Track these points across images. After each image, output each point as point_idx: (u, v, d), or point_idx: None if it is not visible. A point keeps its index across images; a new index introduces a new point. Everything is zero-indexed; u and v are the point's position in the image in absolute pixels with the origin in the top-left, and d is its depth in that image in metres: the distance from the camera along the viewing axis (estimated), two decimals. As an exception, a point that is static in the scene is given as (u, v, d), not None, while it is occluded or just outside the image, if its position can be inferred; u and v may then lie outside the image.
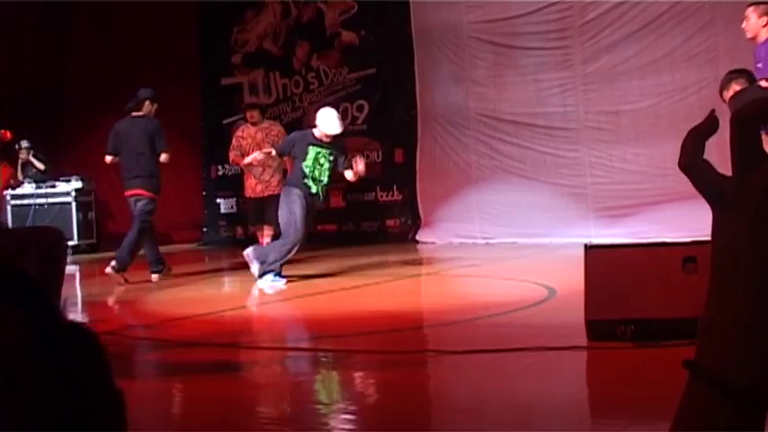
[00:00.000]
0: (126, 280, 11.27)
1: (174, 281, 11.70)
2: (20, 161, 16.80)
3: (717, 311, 0.80)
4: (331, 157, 10.49)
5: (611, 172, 13.57)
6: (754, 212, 0.77)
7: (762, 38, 9.05)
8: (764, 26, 9.03)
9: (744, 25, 9.25)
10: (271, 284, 10.39)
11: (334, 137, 10.53)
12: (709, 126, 0.85)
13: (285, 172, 13.88)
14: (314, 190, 10.44)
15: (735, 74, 9.09)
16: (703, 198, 0.83)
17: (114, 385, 0.73)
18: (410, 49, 15.22)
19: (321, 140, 10.47)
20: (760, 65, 8.91)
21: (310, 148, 10.44)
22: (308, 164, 10.41)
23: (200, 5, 17.81)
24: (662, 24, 13.12)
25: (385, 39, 15.84)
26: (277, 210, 10.78)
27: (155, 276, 11.66)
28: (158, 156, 11.70)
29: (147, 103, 11.92)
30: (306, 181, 10.40)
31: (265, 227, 14.21)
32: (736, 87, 8.85)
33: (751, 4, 9.23)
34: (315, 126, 10.69)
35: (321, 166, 10.47)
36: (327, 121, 10.53)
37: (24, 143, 16.42)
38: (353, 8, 16.30)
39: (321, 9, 16.67)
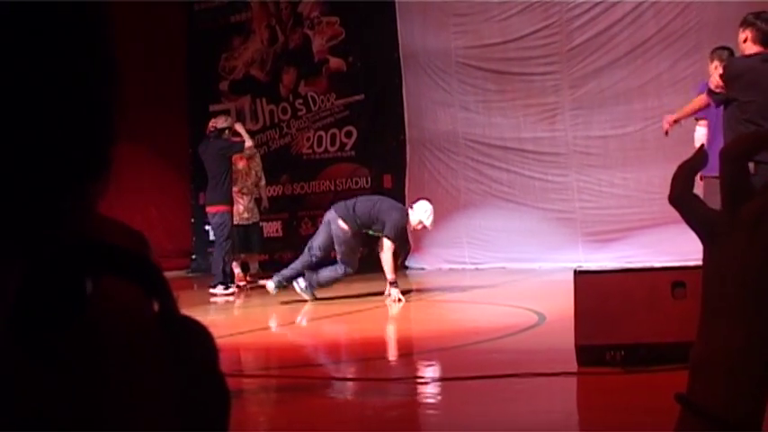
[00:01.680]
0: None
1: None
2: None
3: (708, 344, 0.80)
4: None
5: (600, 196, 13.59)
6: (743, 246, 0.77)
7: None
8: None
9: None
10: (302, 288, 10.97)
11: None
12: (698, 161, 0.85)
13: (258, 201, 14.01)
14: None
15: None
16: (693, 231, 0.83)
17: (223, 376, 0.77)
18: (398, 74, 15.25)
19: None
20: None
21: None
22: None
23: (187, 32, 17.86)
24: (648, 49, 13.18)
25: (373, 65, 15.88)
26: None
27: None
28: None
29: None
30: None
31: (252, 255, 14.23)
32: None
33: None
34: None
35: None
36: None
37: None
38: (341, 34, 16.35)
39: (308, 35, 16.71)
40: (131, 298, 0.69)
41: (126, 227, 0.76)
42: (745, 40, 8.31)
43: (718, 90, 8.19)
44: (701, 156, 0.85)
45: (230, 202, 13.08)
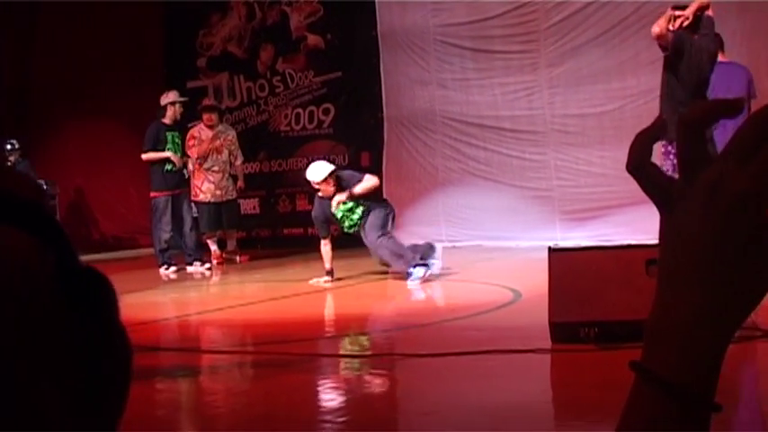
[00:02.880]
0: None
1: (138, 285, 11.64)
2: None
3: (663, 312, 0.80)
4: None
5: (577, 175, 13.61)
6: (700, 213, 0.77)
7: None
8: None
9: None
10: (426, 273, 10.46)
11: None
12: (656, 130, 0.85)
13: (234, 178, 13.91)
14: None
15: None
16: (651, 200, 0.83)
17: (124, 327, 0.76)
18: (376, 52, 15.21)
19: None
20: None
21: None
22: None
23: (165, 8, 17.75)
24: (627, 27, 13.18)
25: (351, 42, 15.84)
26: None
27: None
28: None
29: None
30: None
31: (229, 232, 14.19)
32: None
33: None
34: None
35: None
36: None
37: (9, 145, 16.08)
38: (319, 11, 16.29)
39: (286, 12, 16.64)
40: (24, 246, 0.68)
41: (22, 176, 0.74)
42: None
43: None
44: (659, 125, 0.85)
45: (158, 188, 13.00)
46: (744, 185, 0.75)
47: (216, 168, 13.59)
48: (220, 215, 13.76)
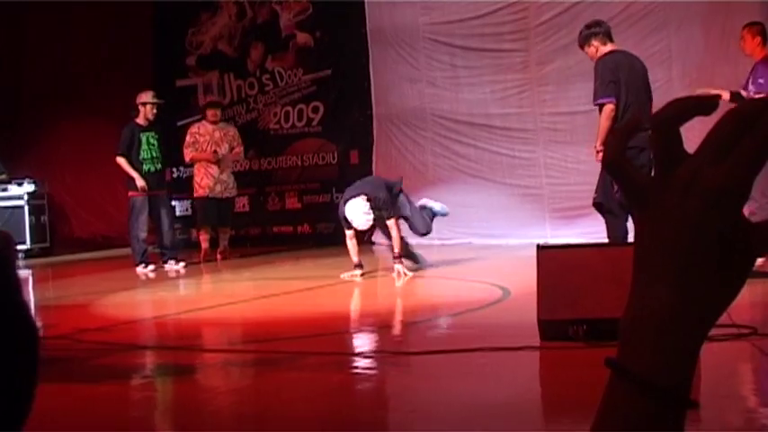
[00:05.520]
0: None
1: (128, 283, 11.64)
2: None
3: (638, 310, 0.80)
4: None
5: (567, 173, 13.62)
6: (675, 210, 0.77)
7: (758, 55, 9.89)
8: (759, 44, 9.87)
9: (741, 45, 10.12)
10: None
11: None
12: (633, 126, 0.85)
13: (236, 175, 13.92)
14: None
15: (595, 28, 9.35)
16: (626, 197, 0.83)
17: (22, 301, 0.75)
18: (365, 50, 15.21)
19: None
20: (762, 80, 9.64)
21: None
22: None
23: (155, 7, 17.73)
24: (615, 26, 13.04)
25: (340, 40, 15.83)
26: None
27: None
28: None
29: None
30: None
31: (222, 229, 14.18)
32: (596, 44, 9.12)
33: (745, 27, 10.12)
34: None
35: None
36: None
37: None
38: (308, 9, 16.28)
39: (276, 10, 16.63)
40: None
41: None
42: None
43: None
44: (636, 121, 0.85)
45: (132, 188, 12.89)
46: (718, 182, 0.75)
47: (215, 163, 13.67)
48: (216, 211, 13.78)
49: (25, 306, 0.75)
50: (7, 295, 0.73)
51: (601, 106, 8.78)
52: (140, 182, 12.66)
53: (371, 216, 10.42)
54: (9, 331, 0.73)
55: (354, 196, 10.47)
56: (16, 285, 0.74)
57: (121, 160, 12.75)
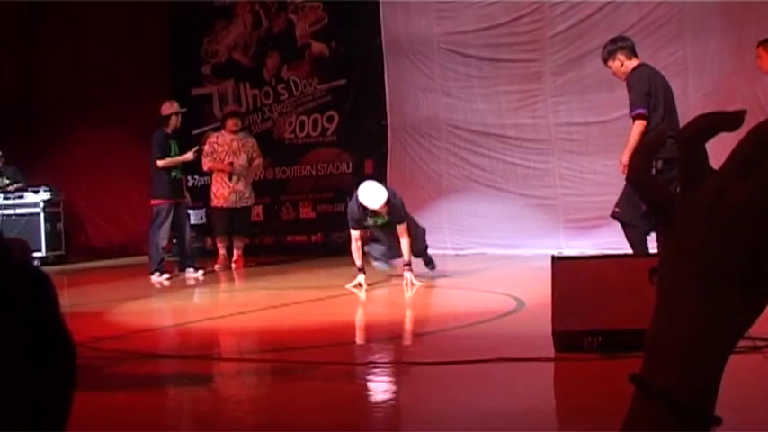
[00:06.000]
0: None
1: (143, 291, 11.66)
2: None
3: (662, 325, 0.80)
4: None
5: (581, 183, 13.61)
6: (700, 226, 0.77)
7: None
8: None
9: (758, 63, 10.28)
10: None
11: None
12: (658, 142, 0.86)
13: (254, 184, 13.96)
14: None
15: (621, 42, 9.34)
16: (652, 212, 0.84)
17: (65, 326, 0.75)
18: (380, 59, 15.22)
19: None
20: None
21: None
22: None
23: (170, 16, 17.79)
24: (632, 36, 13.16)
25: (355, 50, 15.85)
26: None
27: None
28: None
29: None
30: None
31: (237, 238, 14.22)
32: (622, 58, 9.10)
33: (760, 44, 10.23)
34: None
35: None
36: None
37: None
38: (324, 19, 16.31)
39: (292, 20, 16.66)
40: None
41: None
42: None
43: None
44: (660, 136, 0.86)
45: (162, 196, 12.95)
46: (743, 199, 0.76)
47: (233, 173, 13.73)
48: (232, 221, 13.87)
49: (63, 321, 0.76)
50: (51, 311, 0.75)
51: (637, 117, 8.74)
52: (190, 155, 13.05)
53: (386, 197, 10.37)
54: (51, 343, 0.74)
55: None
56: (56, 300, 0.75)
57: (163, 161, 12.83)
